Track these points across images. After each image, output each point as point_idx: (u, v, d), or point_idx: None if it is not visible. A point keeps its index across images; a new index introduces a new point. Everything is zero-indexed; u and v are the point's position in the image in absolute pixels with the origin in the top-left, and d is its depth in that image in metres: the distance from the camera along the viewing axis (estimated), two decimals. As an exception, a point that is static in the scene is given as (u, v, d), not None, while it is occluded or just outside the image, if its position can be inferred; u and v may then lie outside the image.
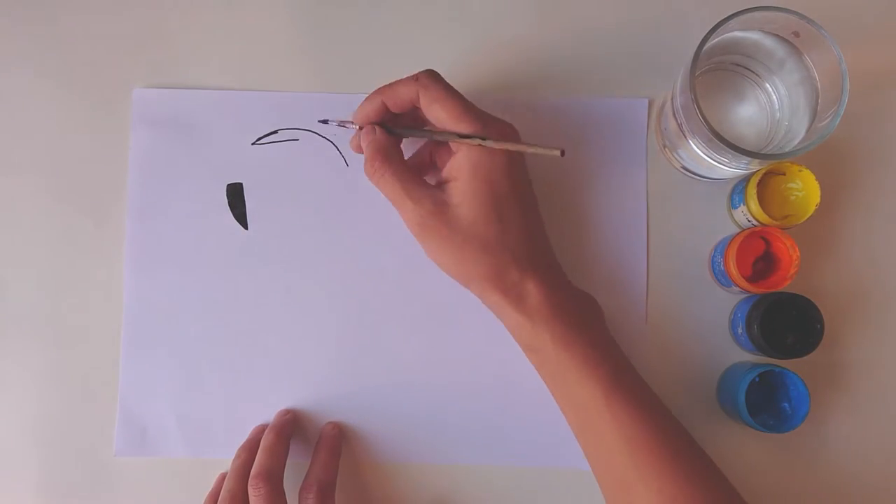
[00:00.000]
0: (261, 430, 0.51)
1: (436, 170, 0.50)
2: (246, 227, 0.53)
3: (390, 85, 0.46)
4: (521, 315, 0.45)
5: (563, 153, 0.43)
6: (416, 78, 0.45)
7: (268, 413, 0.52)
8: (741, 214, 0.50)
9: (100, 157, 0.53)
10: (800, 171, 0.49)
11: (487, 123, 0.45)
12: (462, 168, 0.45)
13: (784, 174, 0.49)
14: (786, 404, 0.50)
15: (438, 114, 0.45)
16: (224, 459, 0.52)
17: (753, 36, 0.46)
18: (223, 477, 0.51)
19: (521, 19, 0.54)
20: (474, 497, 0.52)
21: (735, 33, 0.45)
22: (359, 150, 0.48)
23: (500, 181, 0.45)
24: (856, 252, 0.52)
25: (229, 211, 0.53)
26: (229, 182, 0.53)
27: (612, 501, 0.45)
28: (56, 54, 0.54)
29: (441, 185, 0.46)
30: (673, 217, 0.53)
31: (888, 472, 0.51)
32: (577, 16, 0.54)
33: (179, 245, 0.53)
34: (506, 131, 0.46)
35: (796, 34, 0.45)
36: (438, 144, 0.49)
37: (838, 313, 0.51)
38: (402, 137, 0.48)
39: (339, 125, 0.50)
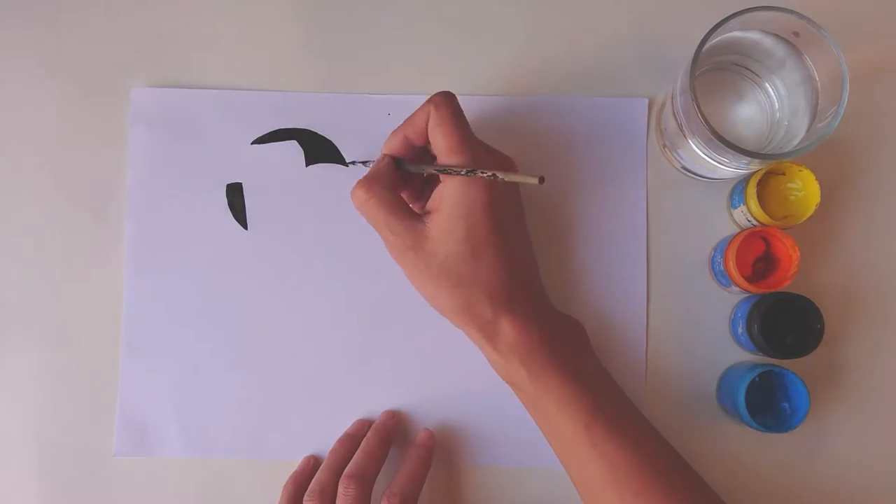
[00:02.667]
0: (362, 426, 0.51)
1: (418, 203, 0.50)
2: (245, 227, 0.53)
3: (410, 116, 0.46)
4: (495, 352, 0.45)
5: (541, 181, 0.41)
6: (430, 99, 0.45)
7: (266, 413, 0.52)
8: (741, 214, 0.50)
9: (99, 157, 0.53)
10: (800, 171, 0.49)
11: (479, 157, 0.44)
12: (443, 201, 0.44)
13: (784, 174, 0.49)
14: (786, 404, 0.50)
15: (438, 140, 0.44)
16: (223, 459, 0.52)
17: (753, 36, 0.46)
18: (308, 461, 0.51)
19: (521, 19, 0.54)
20: (476, 497, 0.52)
21: (735, 33, 0.45)
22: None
23: (478, 218, 0.44)
24: (856, 252, 0.52)
25: (229, 211, 0.53)
26: (229, 182, 0.53)
27: None
28: (55, 54, 0.54)
29: (423, 216, 0.45)
30: (673, 217, 0.53)
31: (888, 472, 0.51)
32: (577, 16, 0.54)
33: (179, 245, 0.53)
34: (500, 164, 0.45)
35: (796, 34, 0.45)
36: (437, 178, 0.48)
37: (838, 313, 0.51)
38: (408, 173, 0.47)
39: (363, 164, 0.51)
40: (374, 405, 0.52)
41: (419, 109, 0.45)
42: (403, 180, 0.48)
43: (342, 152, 0.53)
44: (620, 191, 0.53)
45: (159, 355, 0.52)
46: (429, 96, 0.46)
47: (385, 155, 0.47)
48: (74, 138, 0.54)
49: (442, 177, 0.45)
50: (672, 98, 0.48)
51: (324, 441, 0.52)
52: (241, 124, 0.53)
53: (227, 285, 0.53)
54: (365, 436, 0.50)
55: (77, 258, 0.53)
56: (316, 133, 0.53)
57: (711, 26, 0.43)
